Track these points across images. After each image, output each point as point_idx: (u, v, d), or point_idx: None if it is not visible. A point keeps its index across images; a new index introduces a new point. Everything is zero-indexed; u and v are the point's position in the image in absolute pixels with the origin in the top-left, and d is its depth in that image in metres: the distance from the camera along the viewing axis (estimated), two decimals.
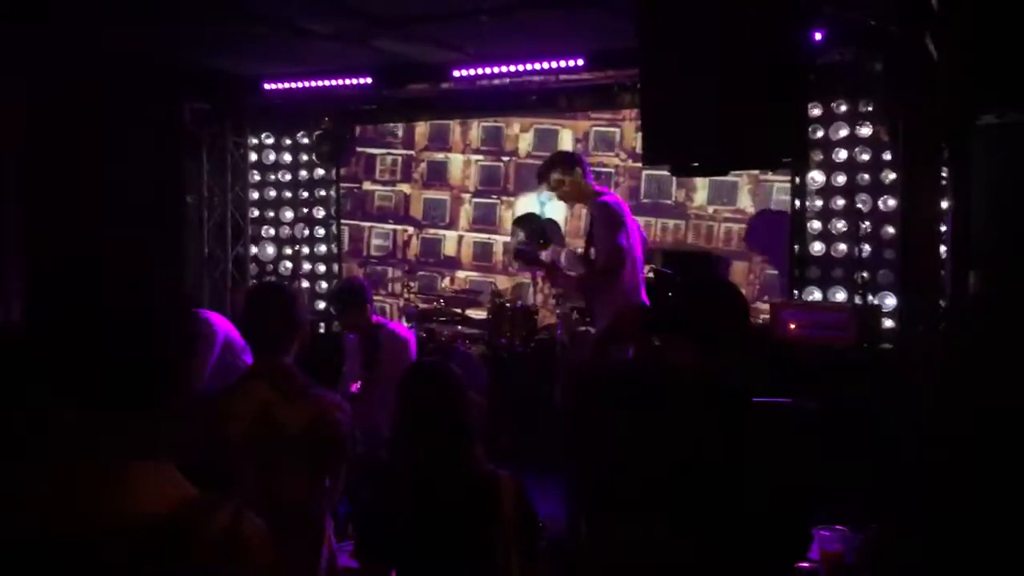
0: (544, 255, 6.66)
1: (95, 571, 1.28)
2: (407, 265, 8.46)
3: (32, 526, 1.30)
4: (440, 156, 8.55)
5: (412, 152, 8.63)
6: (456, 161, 8.48)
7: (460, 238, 8.51)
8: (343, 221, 8.67)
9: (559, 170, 5.29)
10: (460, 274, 8.46)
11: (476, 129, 8.39)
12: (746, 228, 7.30)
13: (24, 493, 1.33)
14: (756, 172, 7.13)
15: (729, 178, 7.31)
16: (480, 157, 8.41)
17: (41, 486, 1.34)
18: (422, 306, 7.31)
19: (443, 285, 8.37)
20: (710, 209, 7.51)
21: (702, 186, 7.54)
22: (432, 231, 8.59)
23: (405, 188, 8.64)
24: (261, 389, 2.75)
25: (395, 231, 8.71)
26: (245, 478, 2.67)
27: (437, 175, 8.57)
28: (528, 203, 8.02)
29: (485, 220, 8.41)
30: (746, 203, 7.37)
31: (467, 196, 8.47)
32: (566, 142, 7.92)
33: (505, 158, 8.30)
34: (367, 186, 8.78)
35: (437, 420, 2.45)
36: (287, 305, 2.89)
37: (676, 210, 7.63)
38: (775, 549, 2.37)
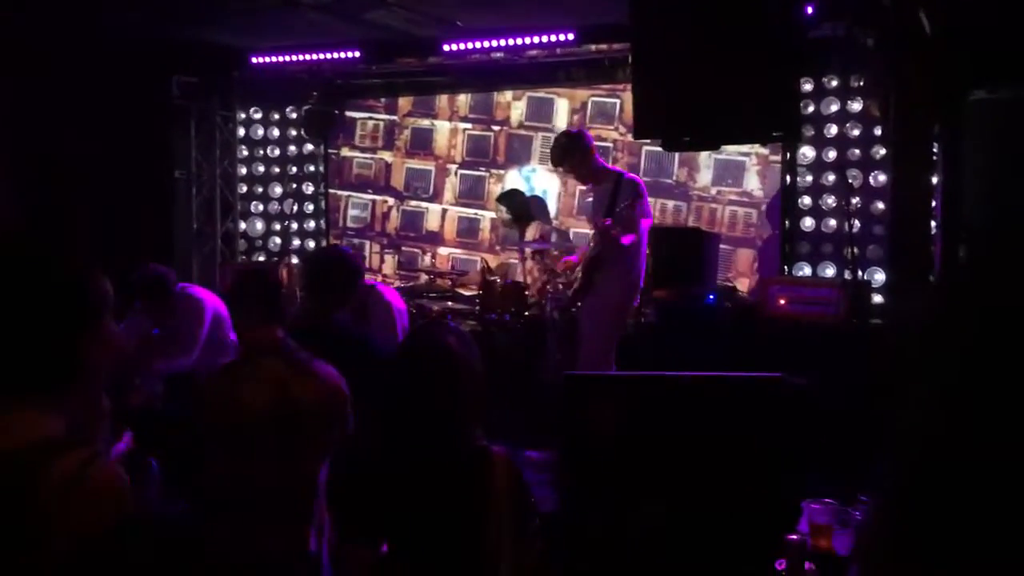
0: (529, 233, 6.64)
1: None
2: (386, 239, 8.30)
3: None
4: (425, 123, 8.18)
5: (395, 118, 8.27)
6: (442, 129, 8.13)
7: (444, 212, 8.17)
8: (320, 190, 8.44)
9: (577, 155, 5.30)
10: (443, 251, 8.12)
11: (465, 95, 8.01)
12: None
13: None
14: (765, 152, 6.92)
15: (736, 158, 7.09)
16: (468, 126, 8.05)
17: None
18: (410, 284, 7.28)
19: (424, 262, 8.12)
20: (714, 190, 7.20)
21: (706, 165, 7.20)
22: (414, 204, 8.24)
23: (386, 156, 8.30)
24: (275, 364, 2.75)
25: (374, 202, 8.38)
26: (264, 453, 2.67)
27: (421, 143, 8.19)
28: (513, 179, 7.91)
29: (472, 194, 8.06)
30: (753, 185, 7.08)
31: (453, 167, 8.12)
32: (561, 112, 7.65)
33: (496, 127, 7.96)
34: (345, 152, 8.43)
35: (433, 392, 2.43)
36: (276, 280, 2.93)
37: (677, 190, 7.30)
38: (763, 521, 2.39)
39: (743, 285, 6.88)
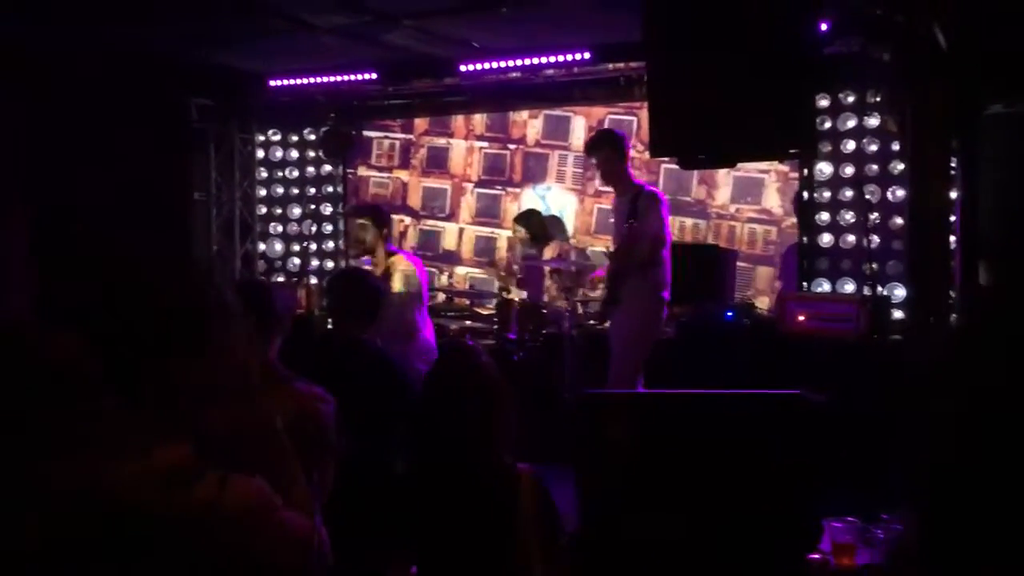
0: (548, 252, 6.65)
1: (80, 526, 1.38)
2: None
3: (34, 484, 1.41)
4: (441, 142, 8.19)
5: (411, 136, 8.29)
6: (458, 147, 8.14)
7: (461, 231, 8.17)
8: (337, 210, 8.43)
9: (610, 151, 5.33)
10: (460, 270, 8.11)
11: (481, 114, 8.05)
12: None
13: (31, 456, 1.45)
14: (785, 169, 6.91)
15: (755, 175, 7.05)
16: (484, 144, 8.06)
17: (46, 452, 1.45)
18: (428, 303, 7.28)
19: (442, 281, 8.11)
20: (733, 208, 7.17)
21: (725, 183, 7.16)
22: (431, 223, 8.23)
23: (403, 175, 8.31)
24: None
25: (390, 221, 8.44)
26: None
27: (437, 162, 8.20)
28: (528, 197, 7.91)
29: (488, 213, 8.06)
30: (773, 202, 7.02)
31: (469, 186, 8.13)
32: (578, 130, 7.66)
33: (512, 145, 7.97)
34: (362, 171, 8.45)
35: (466, 412, 2.43)
36: (267, 298, 2.92)
37: (696, 208, 7.28)
38: (784, 540, 2.37)
39: (763, 304, 6.84)
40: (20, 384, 1.60)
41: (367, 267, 5.42)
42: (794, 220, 6.86)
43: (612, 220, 5.76)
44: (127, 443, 1.44)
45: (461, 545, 2.38)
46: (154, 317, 1.50)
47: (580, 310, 6.13)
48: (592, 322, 5.99)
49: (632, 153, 7.43)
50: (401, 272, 5.12)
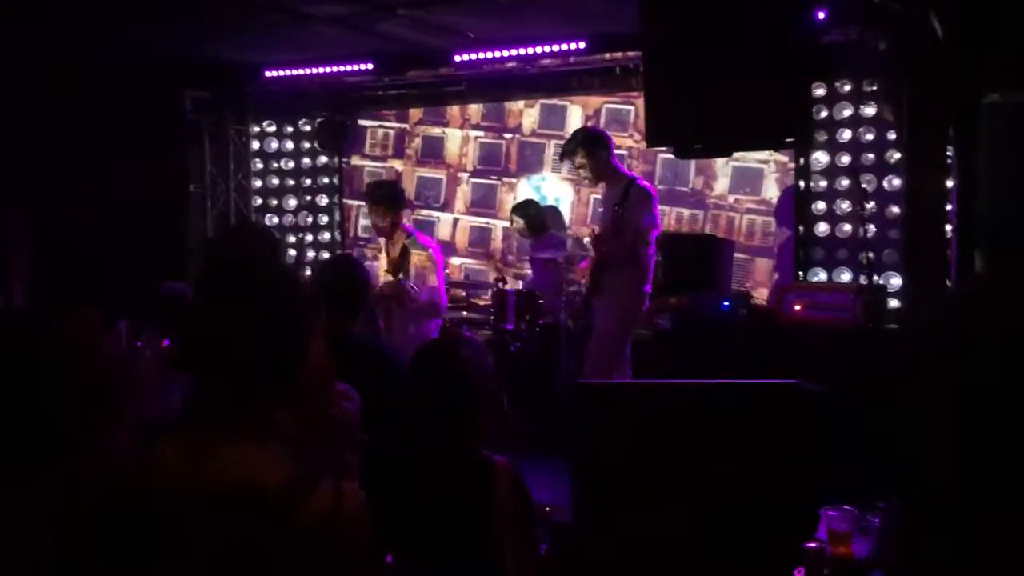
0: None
1: (202, 530, 1.37)
2: None
3: (160, 487, 1.41)
4: (436, 131, 8.13)
5: (405, 126, 8.24)
6: (454, 137, 8.08)
7: (455, 222, 8.13)
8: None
9: (584, 151, 5.27)
10: (454, 261, 8.05)
11: (476, 104, 7.98)
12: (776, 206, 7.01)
13: (156, 458, 1.46)
14: (784, 159, 6.89)
15: (754, 165, 7.01)
16: (480, 133, 8.00)
17: (170, 455, 1.45)
18: None
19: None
20: (731, 198, 7.11)
21: (724, 173, 7.10)
22: (425, 213, 8.17)
23: (397, 165, 8.24)
24: None
25: None
26: None
27: (432, 151, 8.14)
28: (524, 188, 7.90)
29: (484, 203, 8.01)
30: (772, 193, 6.98)
31: (465, 176, 8.07)
32: (575, 119, 7.56)
33: (508, 135, 7.91)
34: (356, 161, 8.40)
35: (441, 401, 2.43)
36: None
37: (694, 198, 7.21)
38: (781, 529, 2.38)
39: (762, 295, 6.81)
40: (27, 384, 1.59)
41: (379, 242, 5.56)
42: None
43: (601, 209, 5.74)
44: (233, 460, 1.41)
45: (435, 536, 2.38)
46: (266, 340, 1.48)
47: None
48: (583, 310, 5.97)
49: (630, 142, 7.45)
50: (415, 253, 5.21)
